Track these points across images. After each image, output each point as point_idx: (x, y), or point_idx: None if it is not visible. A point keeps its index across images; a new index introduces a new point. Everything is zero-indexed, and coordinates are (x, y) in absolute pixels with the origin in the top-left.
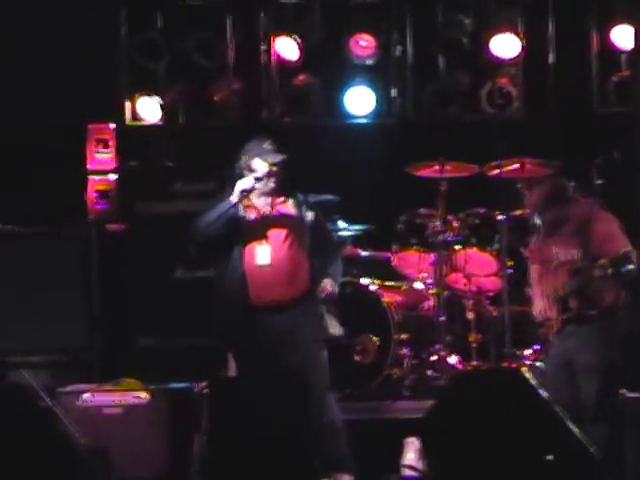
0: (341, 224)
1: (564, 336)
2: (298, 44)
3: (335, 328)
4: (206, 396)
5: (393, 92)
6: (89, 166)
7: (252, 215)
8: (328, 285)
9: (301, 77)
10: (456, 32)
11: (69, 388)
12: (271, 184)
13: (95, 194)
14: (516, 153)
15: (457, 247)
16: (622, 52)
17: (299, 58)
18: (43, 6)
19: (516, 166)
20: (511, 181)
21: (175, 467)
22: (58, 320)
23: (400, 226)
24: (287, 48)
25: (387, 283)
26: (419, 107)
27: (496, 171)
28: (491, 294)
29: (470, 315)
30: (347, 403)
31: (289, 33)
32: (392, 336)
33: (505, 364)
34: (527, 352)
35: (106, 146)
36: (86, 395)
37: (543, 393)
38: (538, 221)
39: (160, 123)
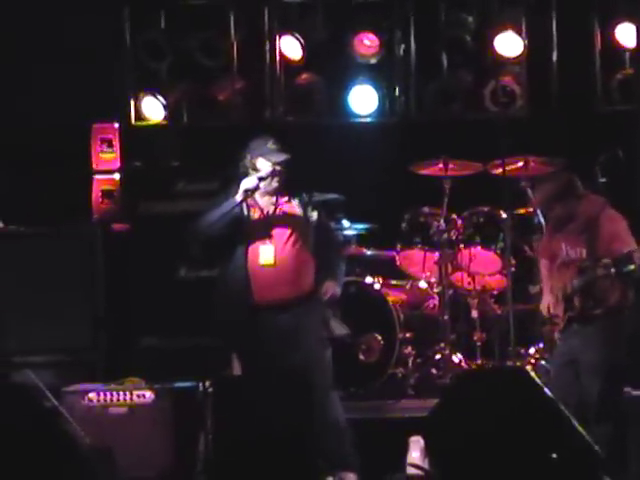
0: (345, 223)
1: (569, 335)
2: (301, 43)
3: (339, 329)
4: (210, 395)
5: (396, 91)
6: (93, 166)
7: (256, 214)
8: (330, 288)
9: (304, 76)
10: (459, 31)
11: (73, 388)
12: (275, 183)
13: (99, 194)
14: (520, 151)
15: (461, 246)
16: (625, 50)
17: (302, 57)
18: (46, 6)
19: (520, 164)
20: (515, 179)
21: (179, 466)
22: (62, 320)
23: (404, 225)
24: (290, 47)
25: (391, 282)
26: (422, 106)
27: (500, 169)
28: (495, 292)
29: (474, 314)
30: (352, 402)
31: (292, 32)
32: (396, 335)
33: (509, 363)
34: (531, 351)
35: (110, 146)
36: (91, 394)
37: (547, 392)
38: (542, 219)
39: (164, 123)
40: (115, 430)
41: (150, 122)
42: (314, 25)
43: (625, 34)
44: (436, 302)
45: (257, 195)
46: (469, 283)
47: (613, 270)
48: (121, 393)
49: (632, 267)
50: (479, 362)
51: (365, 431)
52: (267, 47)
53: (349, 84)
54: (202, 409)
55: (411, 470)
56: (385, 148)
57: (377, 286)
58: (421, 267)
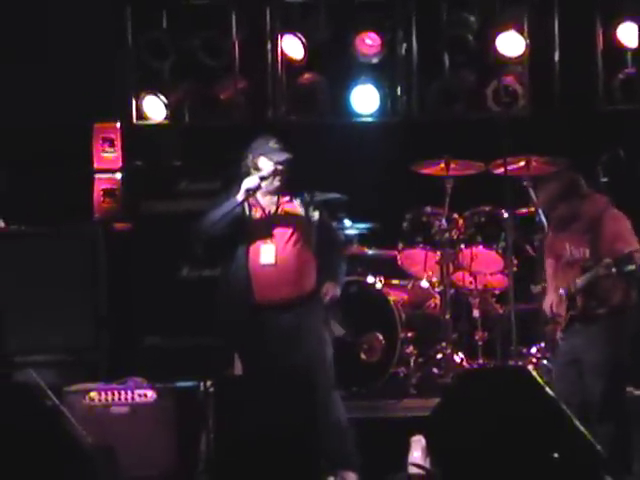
0: (347, 222)
1: (572, 334)
2: (303, 43)
3: (337, 329)
4: (212, 395)
5: (398, 90)
6: (95, 165)
7: (257, 214)
8: (330, 289)
9: (306, 76)
10: (461, 30)
11: (75, 387)
12: (276, 183)
13: (101, 193)
14: (522, 151)
15: (463, 245)
16: (627, 50)
17: (304, 57)
18: (48, 5)
19: (522, 164)
20: (517, 179)
21: (181, 466)
22: (64, 319)
23: (406, 224)
24: (292, 47)
25: (393, 281)
26: (424, 105)
27: (501, 169)
28: (497, 292)
29: (476, 313)
30: (353, 401)
31: (294, 32)
32: (398, 334)
33: (511, 362)
34: (533, 350)
35: (112, 145)
36: (92, 394)
37: (549, 391)
38: (543, 219)
39: (166, 122)
40: (117, 430)
41: (152, 121)
42: (316, 25)
43: (627, 34)
44: (438, 301)
45: (259, 194)
46: (471, 282)
47: (614, 270)
48: (123, 392)
49: (632, 267)
50: (481, 361)
51: (367, 430)
52: (269, 47)
53: (351, 84)
54: (204, 409)
55: (413, 469)
56: (387, 148)
57: (379, 285)
58: (423, 266)
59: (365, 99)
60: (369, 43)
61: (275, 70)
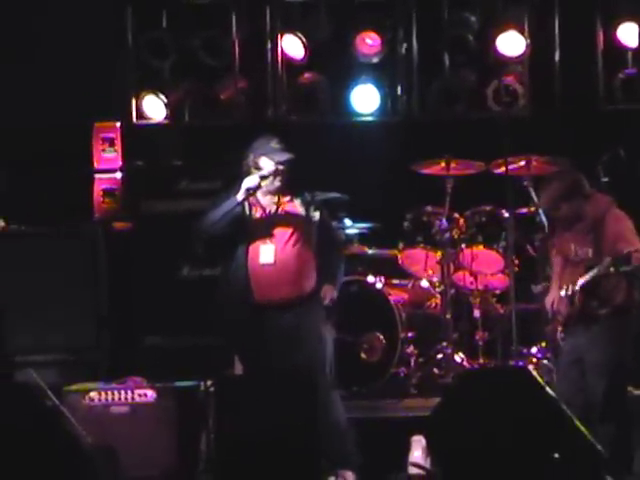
0: (347, 222)
1: (574, 334)
2: (304, 42)
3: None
4: (212, 394)
5: (399, 90)
6: (95, 165)
7: (257, 214)
8: (328, 292)
9: (307, 75)
10: (462, 30)
11: (76, 387)
12: (277, 183)
13: (101, 193)
14: (522, 151)
15: (463, 245)
16: (628, 49)
17: (305, 56)
18: (48, 5)
19: (522, 163)
20: (517, 179)
21: (182, 465)
22: (64, 319)
23: (406, 224)
24: (293, 46)
25: (393, 281)
26: (425, 105)
27: (502, 169)
28: (498, 292)
29: (476, 313)
30: (354, 401)
31: (295, 31)
32: (398, 334)
33: (512, 362)
34: (534, 350)
35: (112, 145)
36: (93, 394)
37: (550, 391)
38: (544, 218)
39: (166, 122)
40: (117, 429)
41: (152, 121)
42: (316, 24)
43: (627, 34)
44: (438, 301)
45: (259, 194)
46: (471, 282)
47: (612, 270)
48: (123, 392)
49: (628, 268)
50: (481, 361)
51: (367, 430)
52: (269, 46)
53: (351, 83)
54: (204, 408)
55: (413, 469)
56: (387, 147)
57: (379, 285)
58: (423, 266)
59: (365, 99)
60: (369, 43)
61: (275, 70)
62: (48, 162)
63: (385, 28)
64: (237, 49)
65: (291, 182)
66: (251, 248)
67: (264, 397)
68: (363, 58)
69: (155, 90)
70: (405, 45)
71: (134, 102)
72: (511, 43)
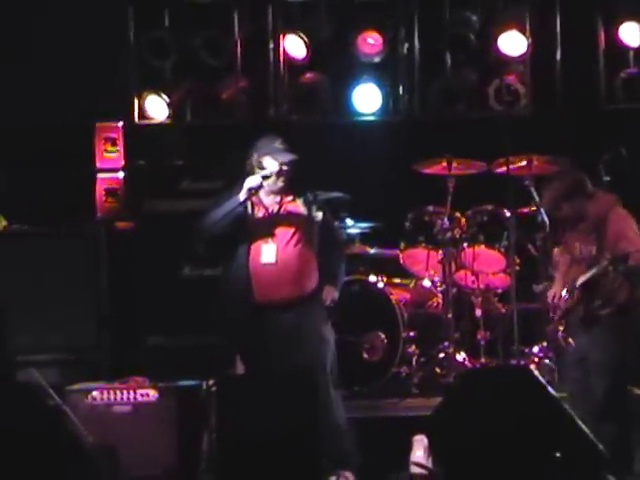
0: (349, 221)
1: (578, 333)
2: (305, 42)
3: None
4: (214, 394)
5: (400, 89)
6: (97, 164)
7: (260, 213)
8: (330, 294)
9: (308, 75)
10: (463, 29)
11: (78, 386)
12: (280, 183)
13: (103, 192)
14: (523, 150)
15: (465, 244)
16: (629, 49)
17: (306, 56)
18: (50, 5)
19: (524, 163)
20: (519, 178)
21: (183, 465)
22: (66, 318)
23: (408, 223)
24: (294, 46)
25: (395, 280)
26: (426, 104)
27: (503, 168)
28: (499, 291)
29: (478, 312)
30: (355, 401)
31: (296, 31)
32: (400, 333)
33: (513, 361)
34: (535, 349)
35: (114, 144)
36: (94, 393)
37: (551, 390)
38: (545, 218)
39: (168, 121)
40: (119, 429)
41: (154, 121)
42: (318, 24)
43: (629, 33)
44: (440, 301)
45: (262, 194)
46: (473, 282)
47: (610, 268)
48: (125, 392)
49: (626, 267)
50: (483, 361)
51: (369, 430)
52: (271, 46)
53: (353, 83)
54: (206, 408)
55: (415, 469)
56: (389, 147)
57: (381, 284)
58: (425, 266)
59: (367, 98)
60: (371, 42)
61: (277, 69)
62: (51, 162)
63: (386, 27)
64: (239, 49)
65: (293, 182)
66: (253, 247)
67: (266, 397)
68: (364, 58)
69: (157, 90)
70: (406, 45)
71: (136, 102)
72: (512, 42)
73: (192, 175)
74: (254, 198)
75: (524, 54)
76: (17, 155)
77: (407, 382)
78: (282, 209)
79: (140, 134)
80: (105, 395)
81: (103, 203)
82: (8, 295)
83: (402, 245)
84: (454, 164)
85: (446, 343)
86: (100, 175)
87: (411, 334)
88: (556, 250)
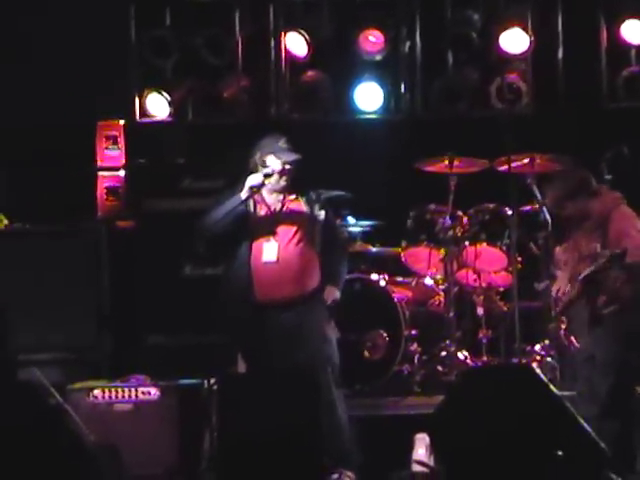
0: (351, 220)
1: (582, 333)
2: (306, 40)
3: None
4: (216, 393)
5: (402, 88)
6: (98, 163)
7: (262, 211)
8: (331, 294)
9: (310, 73)
10: (465, 28)
11: (79, 385)
12: (283, 182)
13: (104, 191)
14: (525, 148)
15: (467, 243)
16: (632, 47)
17: (308, 54)
18: (51, 4)
19: (526, 161)
20: (520, 176)
21: (185, 463)
22: (67, 318)
23: (410, 222)
24: (296, 44)
25: (397, 279)
26: (428, 103)
27: (505, 166)
28: (501, 289)
29: (480, 311)
30: (357, 399)
31: (298, 29)
32: (402, 332)
33: (515, 360)
34: (537, 348)
35: (115, 143)
36: (96, 392)
37: (553, 389)
38: (547, 216)
39: (169, 120)
40: (120, 427)
41: (155, 119)
42: (319, 22)
43: (631, 31)
44: (442, 299)
45: (265, 192)
46: (475, 280)
47: (609, 265)
48: (126, 390)
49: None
50: (485, 359)
51: (370, 428)
52: (272, 44)
53: (354, 81)
54: (207, 406)
55: (416, 467)
56: (391, 145)
57: (382, 283)
58: (426, 264)
59: (368, 96)
60: (372, 40)
61: (278, 68)
62: (51, 161)
63: (388, 26)
64: (240, 47)
65: (296, 181)
66: (254, 246)
67: (267, 396)
68: (366, 56)
69: (158, 88)
70: (408, 43)
71: (137, 100)
72: (514, 41)
73: (193, 174)
74: (256, 196)
75: (526, 52)
76: (19, 154)
77: (409, 380)
78: (284, 208)
79: (141, 133)
80: (106, 394)
81: (104, 202)
82: (9, 294)
83: (404, 243)
84: (456, 162)
85: (448, 341)
86: (101, 174)
87: (413, 332)
88: (558, 248)
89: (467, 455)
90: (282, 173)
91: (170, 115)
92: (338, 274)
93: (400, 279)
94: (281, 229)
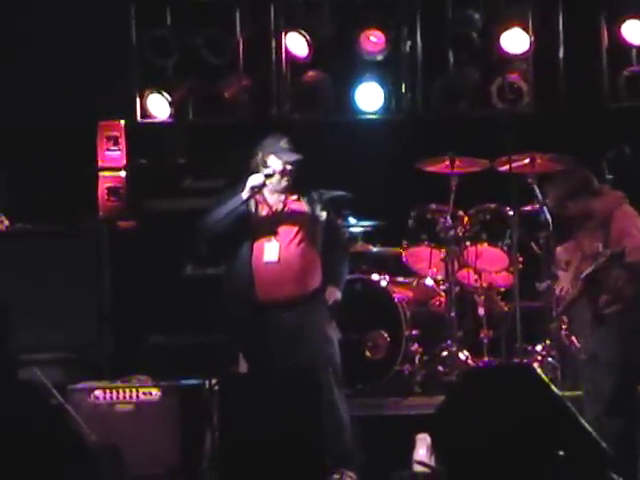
0: (352, 220)
1: (584, 333)
2: (307, 40)
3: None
4: (217, 393)
5: (403, 88)
6: (99, 163)
7: (263, 212)
8: (332, 295)
9: (311, 73)
10: (466, 27)
11: (80, 385)
12: (284, 182)
13: (105, 191)
14: (526, 148)
15: (468, 243)
16: (632, 47)
17: (309, 54)
18: (52, 3)
19: (527, 161)
20: (521, 176)
21: (186, 463)
22: (68, 318)
23: (410, 222)
24: (296, 44)
25: (398, 279)
26: (429, 103)
27: (506, 166)
28: (502, 289)
29: (481, 311)
30: (358, 399)
31: (298, 29)
32: (403, 332)
33: (516, 360)
34: (538, 348)
35: (116, 143)
36: (97, 392)
37: (554, 389)
38: (548, 216)
39: (170, 120)
40: (122, 428)
41: (156, 119)
42: (320, 22)
43: (632, 31)
44: (443, 299)
45: (266, 192)
46: (476, 280)
47: (608, 264)
48: (127, 391)
49: (623, 263)
50: (486, 359)
51: (371, 428)
52: (273, 44)
53: (355, 81)
54: (208, 406)
55: (418, 467)
56: (392, 145)
57: (383, 283)
58: (427, 264)
59: (369, 96)
60: (373, 40)
61: (279, 68)
62: (52, 161)
63: (389, 26)
64: (241, 47)
65: (297, 181)
66: (255, 246)
67: (268, 395)
68: (367, 56)
69: (159, 88)
70: (409, 43)
71: (138, 100)
72: (515, 40)
73: (194, 174)
74: (258, 196)
75: (527, 52)
76: (19, 155)
77: (410, 380)
78: (286, 208)
79: (142, 133)
80: (108, 394)
81: (105, 202)
82: (10, 294)
83: (405, 243)
84: (457, 162)
85: (449, 341)
86: (102, 174)
87: (414, 332)
88: (559, 248)
89: (468, 455)
90: (283, 173)
91: (171, 115)
92: (339, 274)
93: (401, 279)
94: (282, 229)
